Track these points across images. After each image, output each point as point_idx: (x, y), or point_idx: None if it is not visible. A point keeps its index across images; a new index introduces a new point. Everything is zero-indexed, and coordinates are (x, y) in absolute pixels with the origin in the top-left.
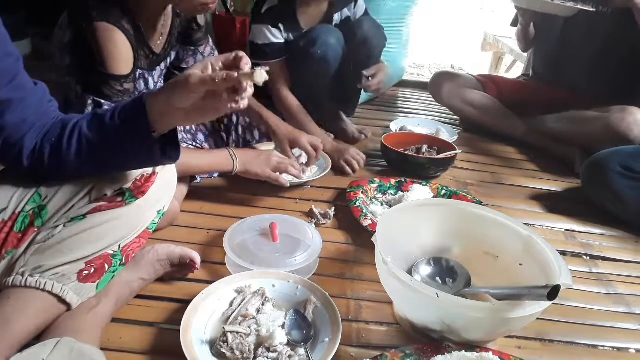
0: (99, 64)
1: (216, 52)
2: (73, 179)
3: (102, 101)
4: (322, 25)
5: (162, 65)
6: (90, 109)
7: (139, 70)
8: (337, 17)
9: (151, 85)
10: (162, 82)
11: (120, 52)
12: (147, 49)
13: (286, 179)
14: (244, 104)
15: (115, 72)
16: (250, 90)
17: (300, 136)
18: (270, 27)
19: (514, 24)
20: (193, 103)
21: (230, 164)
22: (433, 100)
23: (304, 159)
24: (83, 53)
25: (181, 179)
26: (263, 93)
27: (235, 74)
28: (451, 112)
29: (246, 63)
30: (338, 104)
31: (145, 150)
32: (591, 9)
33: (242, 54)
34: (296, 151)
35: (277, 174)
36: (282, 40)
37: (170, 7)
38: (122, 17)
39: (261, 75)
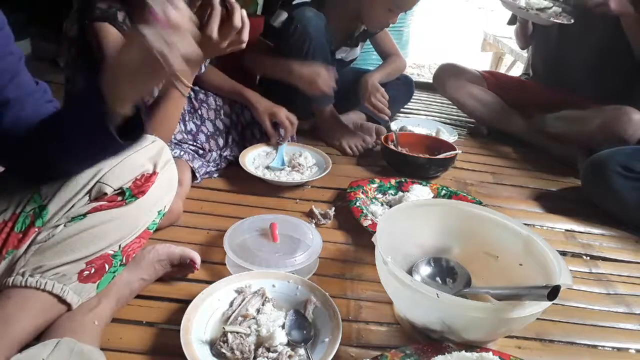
0: (98, 61)
1: None
2: (62, 170)
3: None
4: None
5: None
6: None
7: None
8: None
9: None
10: None
11: None
12: None
13: (285, 179)
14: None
15: None
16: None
17: (279, 110)
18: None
19: (511, 22)
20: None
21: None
22: (433, 100)
23: (303, 160)
24: (85, 48)
25: (183, 177)
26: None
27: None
28: (450, 113)
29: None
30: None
31: (97, 120)
32: (567, 22)
33: None
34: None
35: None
36: None
37: None
38: (125, 17)
39: None
